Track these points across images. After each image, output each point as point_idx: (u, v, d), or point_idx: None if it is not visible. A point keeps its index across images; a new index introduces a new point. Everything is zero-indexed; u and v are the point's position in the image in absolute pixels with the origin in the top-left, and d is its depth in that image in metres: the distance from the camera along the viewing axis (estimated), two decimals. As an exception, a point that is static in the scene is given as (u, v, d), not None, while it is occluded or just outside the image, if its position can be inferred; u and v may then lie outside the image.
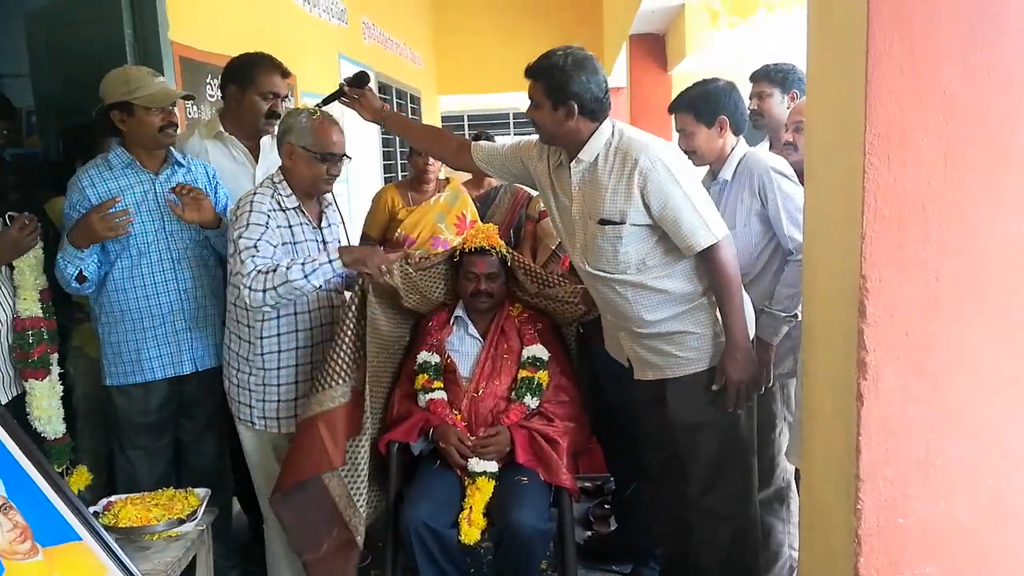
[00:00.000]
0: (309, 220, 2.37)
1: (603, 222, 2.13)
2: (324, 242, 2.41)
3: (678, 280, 2.17)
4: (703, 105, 2.39)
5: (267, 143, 2.75)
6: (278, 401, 2.38)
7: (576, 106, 2.07)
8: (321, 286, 2.21)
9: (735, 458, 2.25)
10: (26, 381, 2.28)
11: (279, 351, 2.36)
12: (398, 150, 6.90)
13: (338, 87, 2.51)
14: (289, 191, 2.32)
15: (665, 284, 2.17)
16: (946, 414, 1.27)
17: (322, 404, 2.29)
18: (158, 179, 2.42)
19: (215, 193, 2.53)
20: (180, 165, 2.48)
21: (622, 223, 2.11)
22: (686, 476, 2.30)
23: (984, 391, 1.27)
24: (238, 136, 2.70)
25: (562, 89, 2.07)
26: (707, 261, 2.12)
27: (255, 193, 2.28)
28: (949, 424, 1.27)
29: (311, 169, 2.30)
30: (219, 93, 3.57)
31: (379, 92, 6.48)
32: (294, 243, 2.32)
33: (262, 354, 2.34)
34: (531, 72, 2.13)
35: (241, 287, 2.14)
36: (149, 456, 2.50)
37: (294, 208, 2.33)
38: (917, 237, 1.23)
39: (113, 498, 2.06)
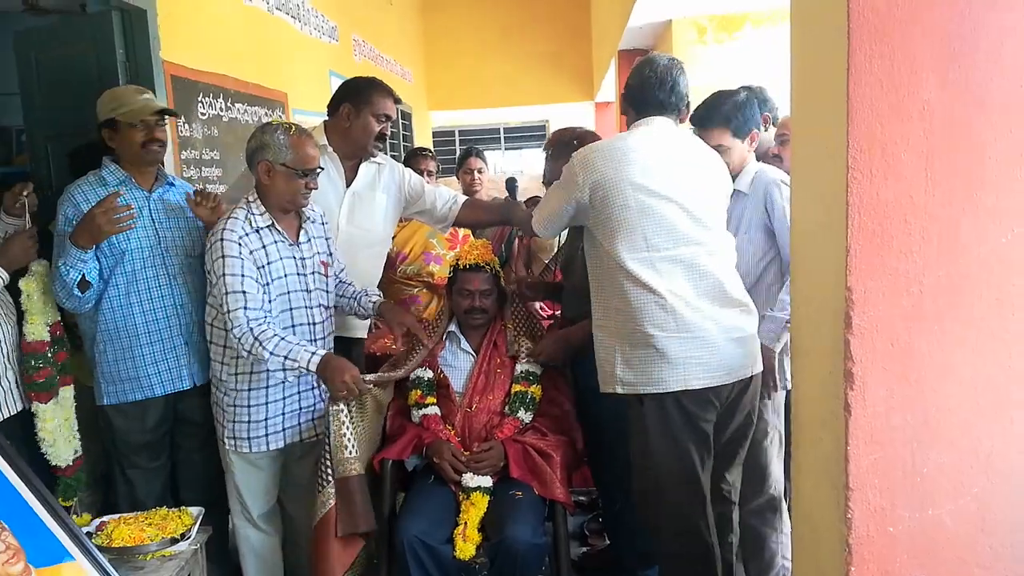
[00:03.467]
0: (285, 236, 2.34)
1: None
2: (303, 258, 2.37)
3: (596, 283, 2.22)
4: (739, 119, 2.38)
5: (366, 169, 2.74)
6: (248, 422, 2.36)
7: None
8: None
9: (657, 491, 2.19)
10: (31, 404, 2.30)
11: (251, 372, 2.34)
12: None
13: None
14: (263, 209, 2.30)
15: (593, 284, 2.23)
16: (930, 423, 1.29)
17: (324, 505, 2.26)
18: (151, 196, 2.45)
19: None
20: (171, 184, 2.51)
21: None
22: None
23: (967, 400, 1.29)
24: (340, 154, 2.70)
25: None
26: None
27: (227, 219, 2.26)
28: (934, 433, 1.29)
29: (290, 185, 2.28)
30: (211, 110, 3.60)
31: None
32: (268, 263, 2.28)
33: (235, 373, 2.34)
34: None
35: (228, 331, 2.19)
36: (147, 475, 2.50)
37: (267, 227, 2.30)
38: (900, 249, 1.26)
39: (106, 518, 2.05)
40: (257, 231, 2.27)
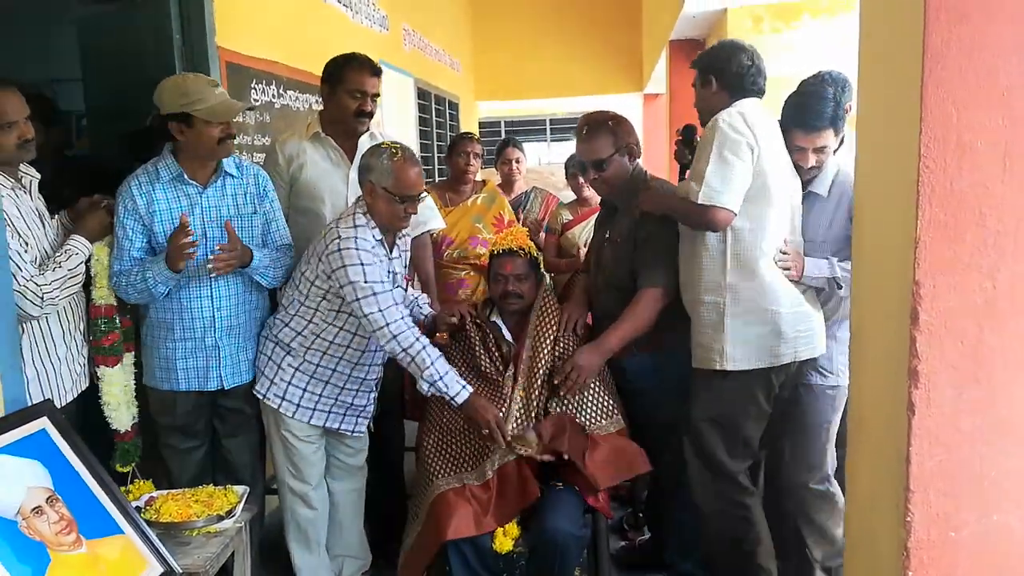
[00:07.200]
0: (387, 250, 2.41)
1: None
2: (394, 272, 2.43)
3: (705, 260, 2.25)
4: (841, 119, 2.28)
5: (364, 142, 2.74)
6: (304, 390, 2.43)
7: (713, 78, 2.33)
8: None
9: (717, 466, 2.32)
10: (98, 367, 2.32)
11: (325, 352, 2.41)
12: (436, 155, 6.95)
13: None
14: (375, 224, 2.35)
15: (701, 258, 2.26)
16: (1001, 426, 1.23)
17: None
18: (205, 192, 2.39)
19: (263, 200, 2.50)
20: (231, 176, 2.44)
21: None
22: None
23: (1042, 402, 1.23)
24: (335, 136, 2.74)
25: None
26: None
27: (355, 227, 2.29)
28: (1004, 436, 1.23)
29: (390, 208, 2.33)
30: (264, 96, 3.64)
31: (418, 99, 6.51)
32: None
33: (309, 348, 2.40)
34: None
35: (381, 334, 2.24)
36: (179, 456, 2.50)
37: (380, 240, 2.36)
38: (974, 243, 1.20)
39: (155, 493, 2.09)
40: (376, 243, 2.35)
